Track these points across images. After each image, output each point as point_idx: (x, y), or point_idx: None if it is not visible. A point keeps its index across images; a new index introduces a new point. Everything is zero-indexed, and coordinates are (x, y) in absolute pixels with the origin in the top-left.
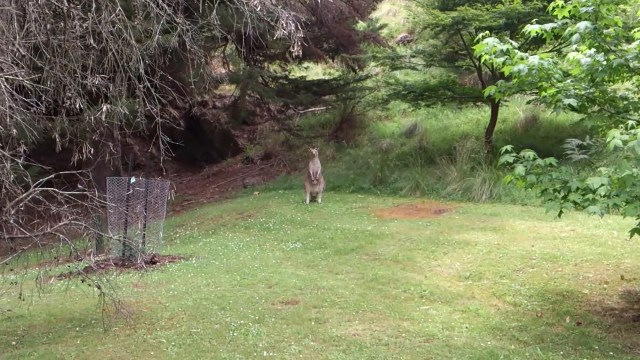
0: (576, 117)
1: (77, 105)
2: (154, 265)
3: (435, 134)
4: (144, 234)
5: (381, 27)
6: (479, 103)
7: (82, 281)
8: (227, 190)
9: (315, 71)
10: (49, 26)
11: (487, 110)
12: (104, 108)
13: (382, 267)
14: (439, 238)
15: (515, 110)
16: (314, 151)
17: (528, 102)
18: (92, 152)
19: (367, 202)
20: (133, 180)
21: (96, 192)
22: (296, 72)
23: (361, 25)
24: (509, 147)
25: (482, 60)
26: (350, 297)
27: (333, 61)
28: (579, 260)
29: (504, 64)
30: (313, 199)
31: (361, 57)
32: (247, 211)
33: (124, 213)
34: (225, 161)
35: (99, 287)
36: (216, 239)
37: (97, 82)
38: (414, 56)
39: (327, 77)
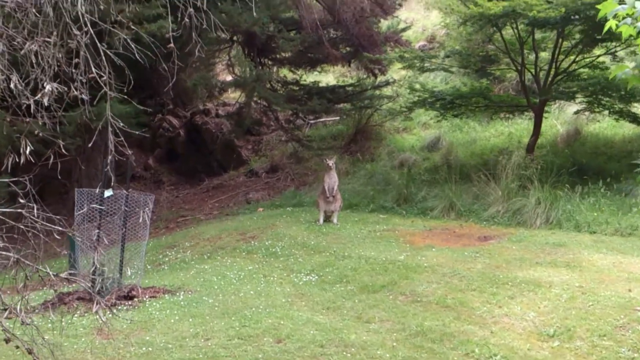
0: (627, 130)
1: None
2: (129, 302)
3: (462, 147)
4: (122, 261)
5: (404, 29)
6: (511, 114)
7: (7, 342)
8: (227, 205)
9: (326, 79)
10: None
11: (519, 122)
12: (48, 88)
13: (428, 314)
14: (496, 275)
15: (553, 123)
16: (331, 163)
17: (576, 112)
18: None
19: (393, 224)
20: (108, 193)
21: (35, 210)
22: (308, 77)
23: (382, 25)
24: None
25: (607, 27)
26: None
27: (350, 65)
28: None
29: None
30: (327, 218)
31: (386, 58)
32: (250, 231)
33: (96, 234)
34: (227, 174)
35: (30, 352)
36: (212, 266)
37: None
38: (448, 56)
39: (341, 84)
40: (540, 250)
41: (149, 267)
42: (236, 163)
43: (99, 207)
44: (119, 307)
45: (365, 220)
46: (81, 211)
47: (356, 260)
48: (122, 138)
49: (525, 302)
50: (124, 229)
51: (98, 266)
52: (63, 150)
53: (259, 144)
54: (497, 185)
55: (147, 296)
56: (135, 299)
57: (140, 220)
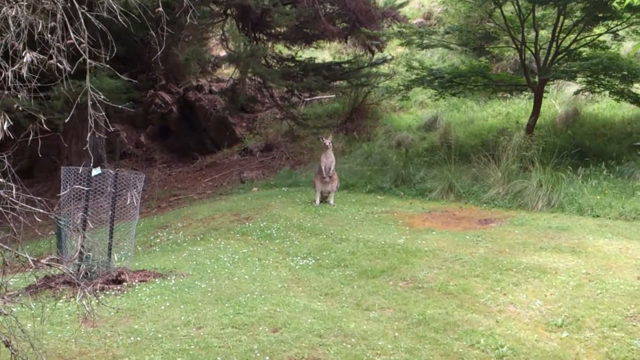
0: (627, 111)
1: None
2: (118, 287)
3: (460, 127)
4: (110, 243)
5: (402, 5)
6: (509, 94)
7: None
8: (221, 185)
9: (322, 56)
10: None
11: (517, 102)
12: (27, 58)
13: (430, 301)
14: (499, 260)
15: (551, 103)
16: (327, 142)
17: (576, 92)
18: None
19: (391, 206)
20: (96, 172)
21: (14, 190)
22: (303, 54)
23: (379, 1)
24: None
25: (627, 1)
26: (394, 354)
27: (347, 42)
28: None
29: None
30: (324, 199)
31: (384, 33)
32: (245, 212)
33: (83, 215)
34: (220, 152)
35: (7, 344)
36: (205, 249)
37: None
38: (448, 32)
39: (337, 61)
40: (543, 234)
41: (139, 248)
42: (230, 141)
43: (82, 187)
44: (107, 292)
45: (362, 202)
46: (64, 192)
47: (354, 244)
48: (104, 113)
49: (531, 289)
50: (112, 211)
51: (83, 251)
52: (45, 126)
53: (254, 121)
54: (497, 167)
55: (136, 280)
56: (124, 283)
57: (128, 202)
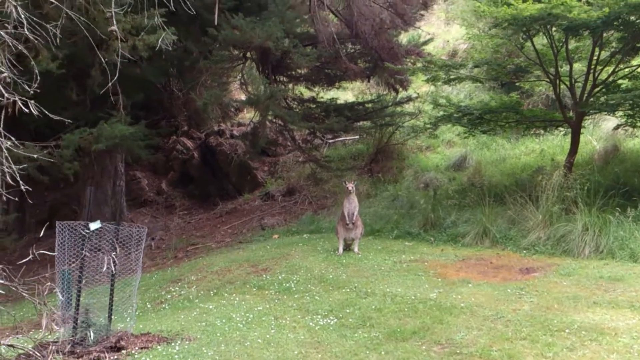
0: None
1: None
2: (115, 355)
3: (491, 166)
4: (111, 305)
5: (426, 42)
6: (542, 130)
7: None
8: (241, 232)
9: (345, 96)
10: None
11: (551, 139)
12: None
13: None
14: (548, 319)
15: (588, 139)
16: (350, 186)
17: (616, 127)
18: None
19: (420, 253)
20: (95, 225)
21: None
22: (325, 95)
23: (402, 39)
24: None
25: None
26: None
27: (369, 81)
28: None
29: None
30: (348, 247)
31: (409, 68)
32: (263, 263)
33: (77, 273)
34: (242, 197)
35: None
36: (217, 305)
37: None
38: (477, 66)
39: (360, 101)
40: (595, 286)
41: (148, 305)
42: (251, 186)
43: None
44: None
45: (389, 249)
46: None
47: (380, 299)
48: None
49: (589, 355)
50: (112, 271)
51: (76, 316)
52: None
53: (275, 165)
54: (536, 209)
55: (137, 347)
56: (123, 351)
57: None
